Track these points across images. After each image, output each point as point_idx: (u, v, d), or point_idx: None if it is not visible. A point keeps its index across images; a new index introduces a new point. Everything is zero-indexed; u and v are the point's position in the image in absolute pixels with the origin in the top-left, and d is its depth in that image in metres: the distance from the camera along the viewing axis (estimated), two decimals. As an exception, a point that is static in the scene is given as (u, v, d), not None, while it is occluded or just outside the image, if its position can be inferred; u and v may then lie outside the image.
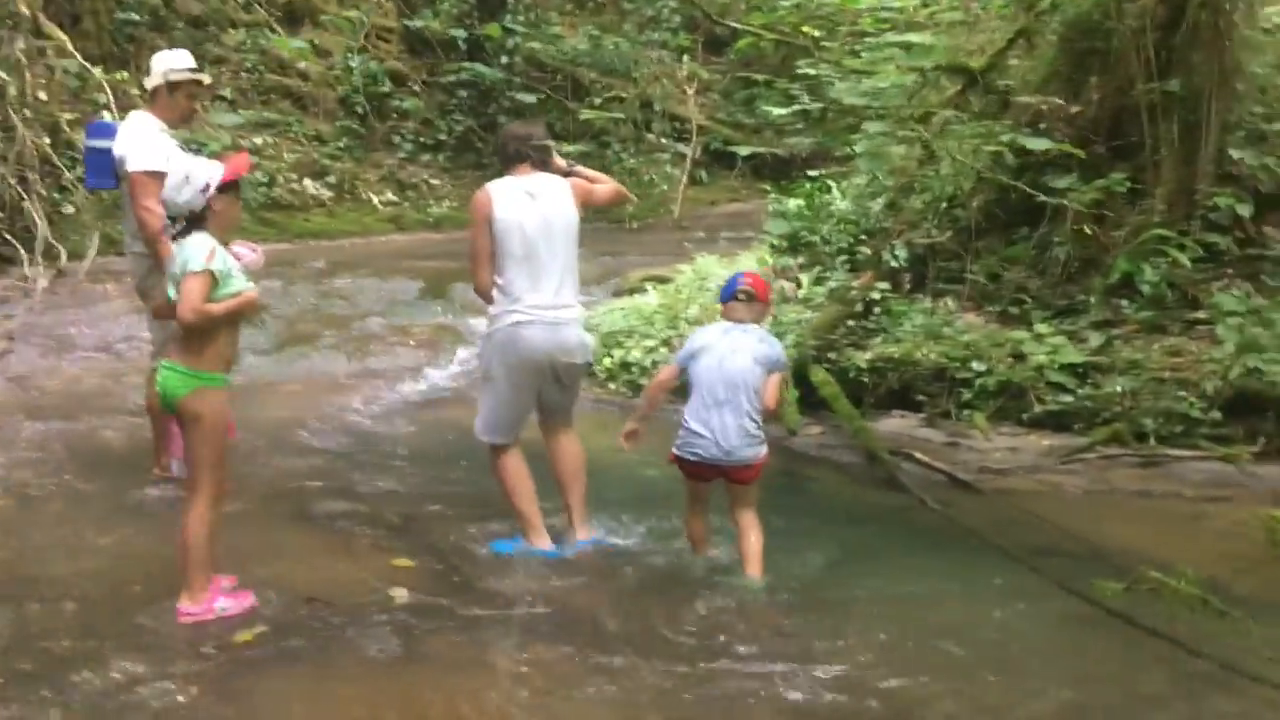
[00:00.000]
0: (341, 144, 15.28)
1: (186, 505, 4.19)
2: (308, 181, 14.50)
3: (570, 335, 4.96)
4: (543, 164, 5.09)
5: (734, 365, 4.73)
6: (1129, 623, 4.22)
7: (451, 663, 3.93)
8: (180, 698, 3.63)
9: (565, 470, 5.13)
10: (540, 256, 4.88)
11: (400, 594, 4.48)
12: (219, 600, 4.23)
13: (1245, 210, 7.58)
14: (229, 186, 4.20)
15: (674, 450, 4.85)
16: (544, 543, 5.00)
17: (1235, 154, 7.81)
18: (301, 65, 15.66)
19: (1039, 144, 5.14)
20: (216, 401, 4.16)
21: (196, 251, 4.05)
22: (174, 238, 4.19)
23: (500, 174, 5.13)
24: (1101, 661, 4.15)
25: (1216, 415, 6.49)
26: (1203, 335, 7.14)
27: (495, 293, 4.95)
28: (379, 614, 4.28)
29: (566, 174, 5.16)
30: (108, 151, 5.81)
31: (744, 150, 13.93)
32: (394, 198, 15.23)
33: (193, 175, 4.14)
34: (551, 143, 5.27)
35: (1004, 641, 4.32)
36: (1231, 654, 3.96)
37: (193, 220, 4.14)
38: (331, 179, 14.76)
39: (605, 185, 5.32)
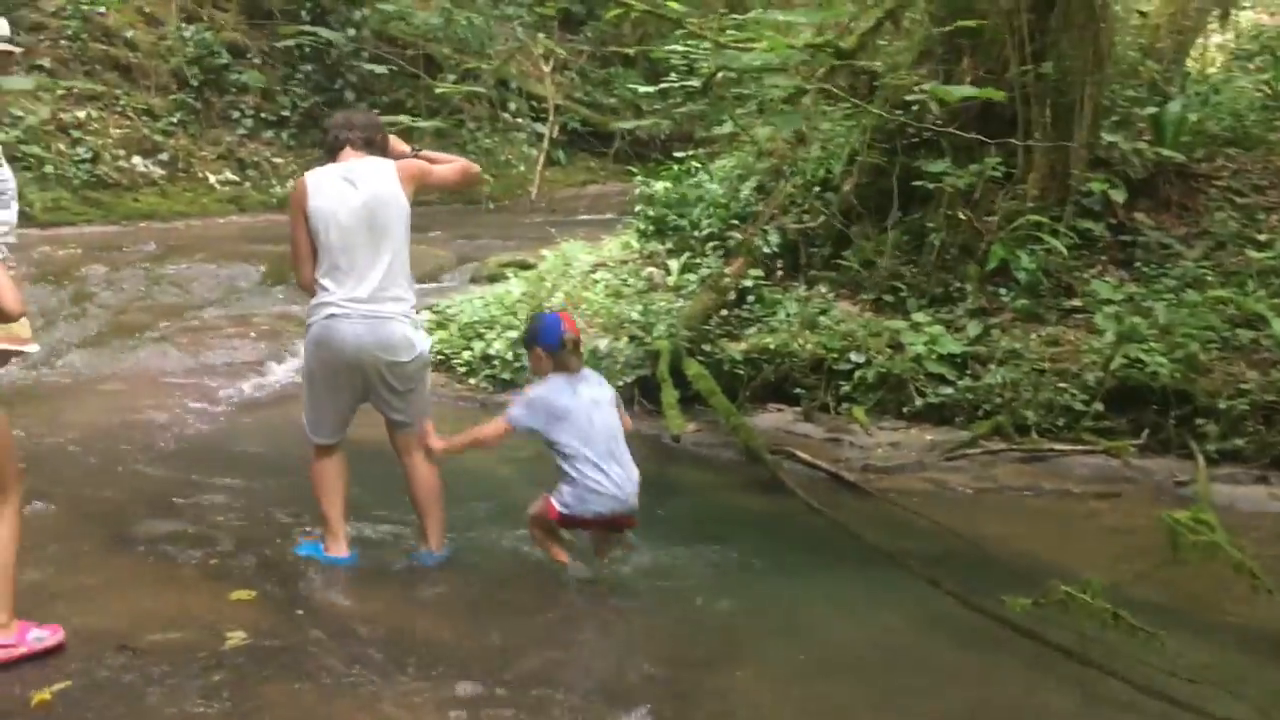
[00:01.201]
0: (175, 119, 14.28)
1: None
2: (137, 159, 13.49)
3: (393, 332, 4.48)
4: (375, 147, 4.63)
5: (604, 418, 4.56)
6: (1039, 641, 3.93)
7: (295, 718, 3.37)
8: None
9: (418, 498, 4.70)
10: (359, 247, 4.44)
11: (237, 636, 3.89)
12: (32, 631, 3.67)
13: (1118, 195, 7.50)
14: None
15: (562, 510, 4.51)
16: (339, 550, 4.64)
17: (1108, 138, 7.73)
18: (129, 34, 14.53)
19: (962, 91, 4.83)
20: None
21: None
22: None
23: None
24: (1005, 684, 3.85)
25: (1099, 407, 6.35)
26: (1080, 324, 7.02)
27: (316, 286, 4.49)
28: (208, 661, 3.69)
29: (407, 157, 4.69)
30: None
31: (626, 124, 13.41)
32: (233, 177, 14.31)
33: None
34: (382, 124, 4.80)
35: (897, 661, 3.99)
36: (1148, 675, 3.70)
37: None
38: (164, 156, 13.78)
39: (448, 165, 4.85)
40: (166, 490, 5.40)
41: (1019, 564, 4.84)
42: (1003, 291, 7.35)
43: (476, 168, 5.11)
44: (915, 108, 7.61)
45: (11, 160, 4.39)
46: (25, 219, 9.09)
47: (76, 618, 3.92)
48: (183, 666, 3.63)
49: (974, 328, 7.13)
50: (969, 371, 6.88)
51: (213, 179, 14.06)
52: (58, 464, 5.60)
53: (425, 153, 4.89)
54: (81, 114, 13.32)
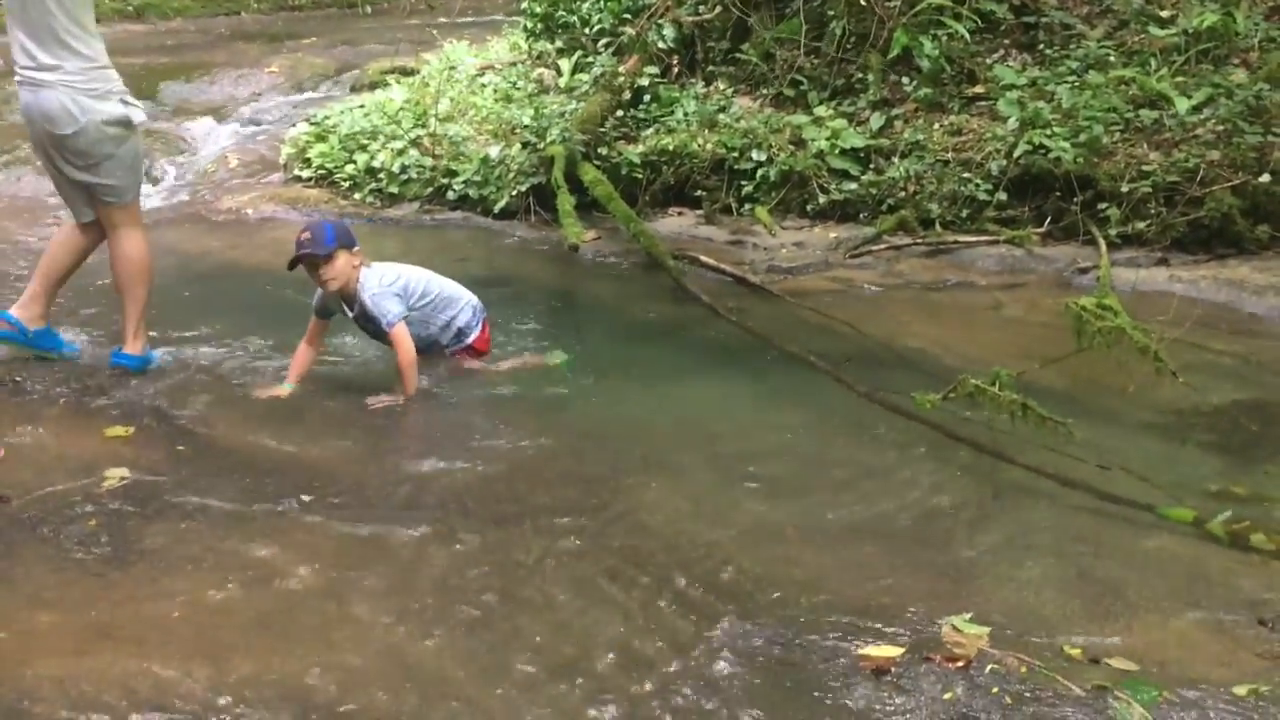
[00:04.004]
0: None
1: None
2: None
3: (49, 100, 4.23)
4: None
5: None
6: (949, 435, 3.89)
7: (179, 560, 3.17)
8: None
9: (116, 281, 4.57)
10: (12, 10, 4.26)
11: (117, 474, 3.63)
12: None
13: (1022, -24, 7.24)
14: None
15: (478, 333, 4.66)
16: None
17: (1013, -87, 7.40)
18: None
19: None
20: None
21: None
22: None
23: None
24: (918, 481, 3.81)
25: (1002, 197, 6.26)
26: (983, 111, 6.86)
27: None
28: (83, 504, 3.44)
29: None
30: None
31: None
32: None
33: None
34: None
35: (810, 465, 3.93)
36: (1058, 464, 3.70)
37: None
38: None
39: None
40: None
41: (927, 360, 4.79)
42: (905, 81, 7.13)
43: None
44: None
45: None
46: None
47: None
48: (56, 511, 3.39)
49: (876, 120, 6.94)
50: (872, 166, 6.72)
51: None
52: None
53: None
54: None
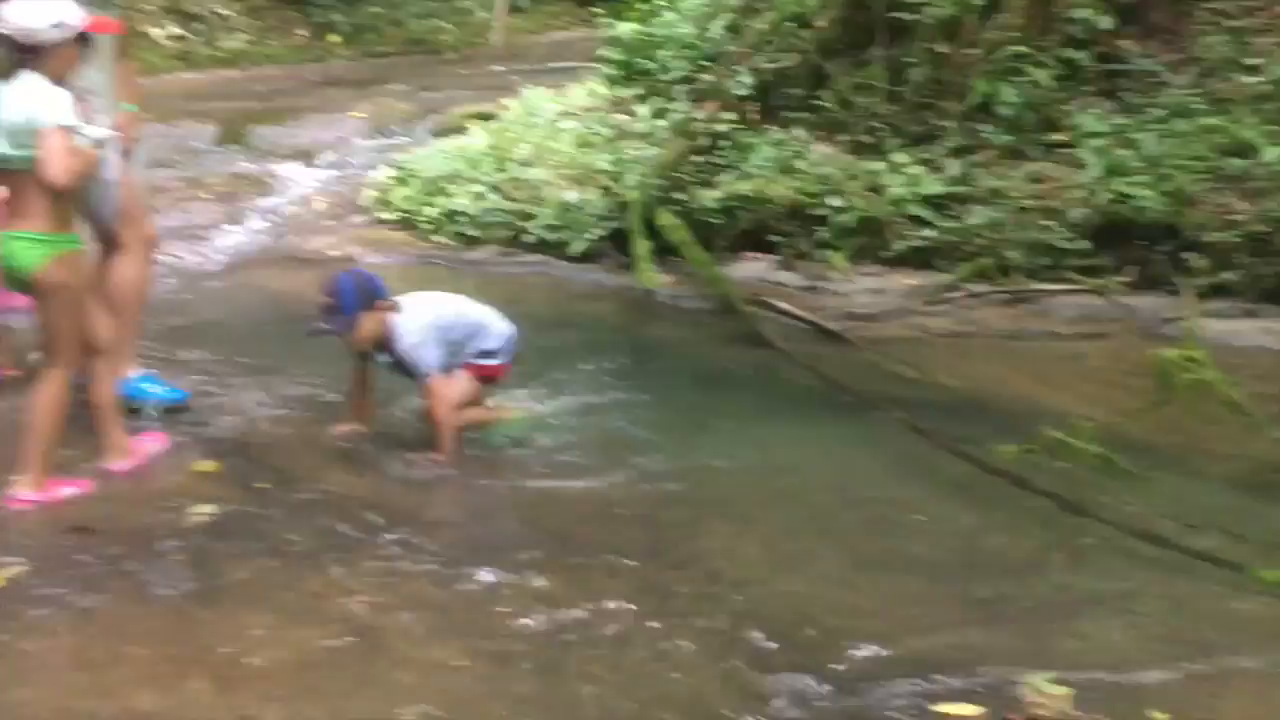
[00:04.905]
0: (114, -30, 13.47)
1: (41, 382, 3.74)
2: (74, 13, 12.76)
3: None
4: None
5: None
6: (1028, 488, 3.83)
7: (260, 597, 3.23)
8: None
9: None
10: None
11: (203, 510, 3.72)
12: (64, 487, 3.78)
13: (1105, 23, 7.15)
14: (83, 37, 3.66)
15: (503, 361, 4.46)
16: None
17: (1096, -38, 7.34)
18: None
19: None
20: (79, 265, 3.80)
21: (53, 101, 3.51)
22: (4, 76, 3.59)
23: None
24: (994, 532, 3.75)
25: (1084, 245, 6.16)
26: (1064, 159, 6.77)
27: None
28: (169, 539, 3.53)
29: None
30: None
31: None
32: (179, 30, 13.61)
33: (54, 1, 3.58)
34: None
35: (884, 514, 3.89)
36: (1140, 518, 3.61)
37: (25, 54, 3.54)
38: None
39: None
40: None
41: (1005, 409, 4.73)
42: (985, 128, 7.07)
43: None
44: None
45: None
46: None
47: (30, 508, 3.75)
48: (142, 545, 3.48)
49: (955, 167, 6.88)
50: (950, 212, 6.66)
51: (155, 33, 13.37)
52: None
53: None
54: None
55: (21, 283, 3.75)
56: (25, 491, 3.71)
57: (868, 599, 3.29)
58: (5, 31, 3.54)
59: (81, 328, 3.79)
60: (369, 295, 4.15)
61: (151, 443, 4.14)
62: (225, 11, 14.13)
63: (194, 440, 4.31)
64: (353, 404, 4.44)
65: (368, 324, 4.13)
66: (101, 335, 3.93)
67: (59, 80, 3.60)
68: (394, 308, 4.19)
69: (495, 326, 4.46)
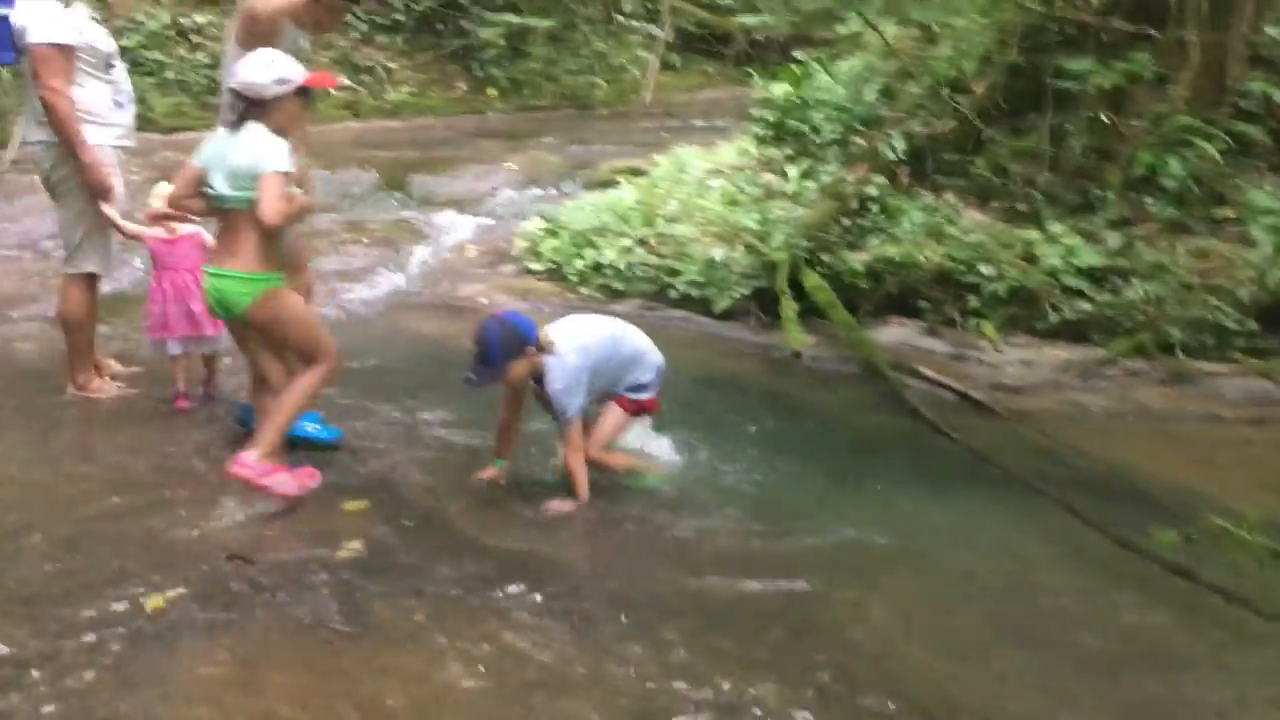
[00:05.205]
0: (290, 24, 14.20)
1: (300, 372, 4.19)
2: (253, 64, 13.47)
3: None
4: None
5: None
6: (1190, 579, 3.66)
7: (404, 636, 3.30)
8: (70, 682, 2.99)
9: None
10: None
11: (353, 547, 3.83)
12: (279, 474, 4.16)
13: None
14: (306, 93, 4.08)
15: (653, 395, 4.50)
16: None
17: (1272, 33, 7.09)
18: (244, -63, 14.45)
19: None
20: (287, 297, 4.16)
21: (274, 148, 3.91)
22: (231, 124, 4.02)
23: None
24: (1150, 622, 3.59)
25: (1253, 325, 5.91)
26: (1233, 236, 6.53)
27: None
28: (319, 573, 3.64)
29: None
30: (4, 20, 5.02)
31: (750, 20, 12.79)
32: (348, 82, 14.24)
33: (278, 61, 3.99)
34: None
35: (1033, 595, 3.76)
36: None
37: (251, 107, 3.96)
38: (279, 62, 13.72)
39: None
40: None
41: (1163, 493, 4.53)
42: (1148, 200, 6.87)
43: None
44: (1059, 1, 7.11)
45: (132, 65, 4.43)
46: (147, 123, 9.16)
47: (190, 526, 3.92)
48: (294, 577, 3.59)
49: (1115, 239, 6.69)
50: (1109, 286, 6.48)
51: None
52: (155, 382, 5.62)
53: None
54: (201, 19, 13.36)
55: (228, 315, 4.08)
56: (250, 457, 4.09)
57: (1010, 681, 3.18)
58: (234, 86, 3.96)
59: (310, 333, 4.20)
60: (518, 344, 4.15)
61: (306, 478, 4.30)
62: (392, 65, 14.74)
63: (345, 478, 4.45)
64: (500, 432, 4.47)
65: (517, 369, 4.17)
66: (273, 375, 4.21)
67: (280, 131, 3.96)
68: (546, 350, 4.19)
69: (649, 358, 4.48)
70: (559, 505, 4.26)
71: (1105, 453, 4.89)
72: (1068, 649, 3.40)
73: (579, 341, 4.29)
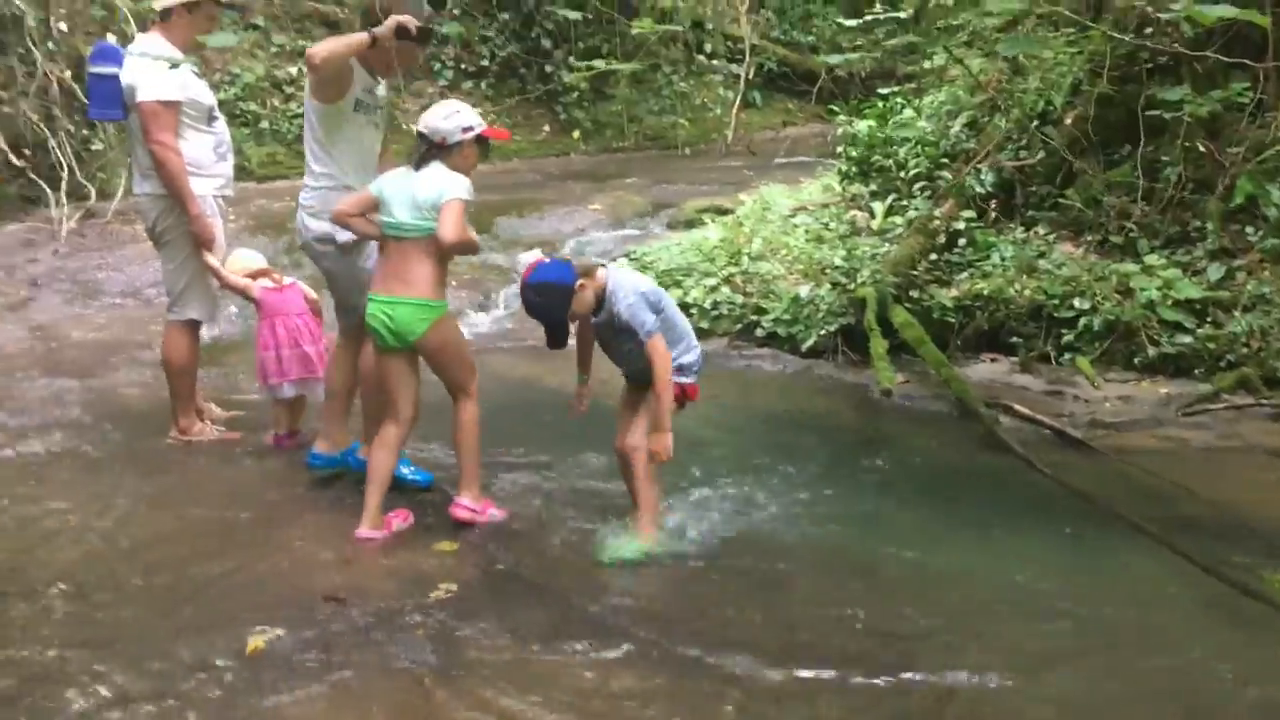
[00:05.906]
0: (380, 73, 14.54)
1: (460, 409, 4.43)
2: (344, 112, 13.80)
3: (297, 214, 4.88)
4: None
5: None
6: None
7: (493, 675, 3.31)
8: (176, 725, 3.06)
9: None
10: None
11: (446, 588, 3.87)
12: (492, 509, 4.48)
13: (1388, 122, 6.69)
14: (482, 141, 4.41)
15: (695, 381, 4.41)
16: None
17: (1376, 58, 6.88)
18: (336, -11, 14.89)
19: (1220, 11, 4.01)
20: (453, 323, 4.51)
21: (458, 180, 4.22)
22: (415, 165, 4.31)
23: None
24: (1266, 669, 3.45)
25: (1364, 359, 5.70)
26: (1342, 266, 6.31)
27: None
28: (412, 613, 3.68)
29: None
30: (114, 78, 5.24)
31: (833, 59, 12.76)
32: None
33: (463, 110, 4.36)
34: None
35: (1140, 640, 3.63)
36: None
37: (432, 149, 4.28)
38: (370, 110, 14.05)
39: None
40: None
41: (1272, 533, 4.36)
42: (1249, 230, 6.69)
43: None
44: (1150, 31, 6.98)
45: (230, 117, 4.60)
46: (243, 173, 9.43)
47: (287, 568, 3.99)
48: (388, 619, 3.63)
49: (1215, 270, 6.52)
50: (1209, 319, 6.31)
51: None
52: (235, 423, 5.74)
53: None
54: (294, 70, 13.74)
55: (401, 343, 4.26)
56: (466, 500, 4.41)
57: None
58: (423, 130, 4.30)
59: (469, 360, 4.48)
60: (565, 293, 4.17)
61: (398, 520, 4.39)
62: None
63: (436, 520, 4.50)
64: (579, 353, 4.56)
65: (580, 305, 4.22)
66: (404, 410, 4.37)
67: (458, 171, 4.27)
68: (591, 275, 4.25)
69: (693, 340, 4.45)
70: (646, 447, 4.23)
71: (1210, 490, 4.73)
72: (1171, 696, 3.27)
73: (633, 278, 4.39)
